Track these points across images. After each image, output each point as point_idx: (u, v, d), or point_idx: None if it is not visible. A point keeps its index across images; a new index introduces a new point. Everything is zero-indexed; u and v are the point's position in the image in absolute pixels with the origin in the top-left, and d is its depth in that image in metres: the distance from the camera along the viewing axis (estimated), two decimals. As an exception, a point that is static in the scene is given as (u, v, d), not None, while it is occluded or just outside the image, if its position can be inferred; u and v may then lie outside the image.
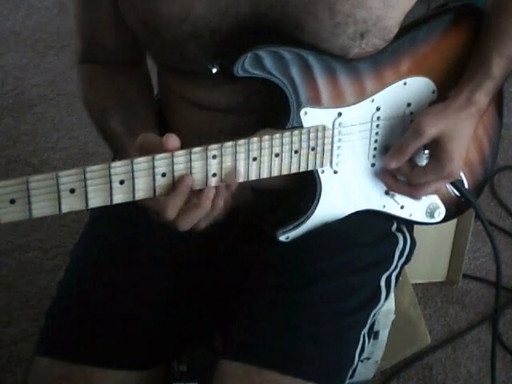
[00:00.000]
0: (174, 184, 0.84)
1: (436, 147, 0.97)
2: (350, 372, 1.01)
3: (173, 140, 0.83)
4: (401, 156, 0.98)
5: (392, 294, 1.19)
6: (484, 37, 1.01)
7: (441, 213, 1.09)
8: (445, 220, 1.11)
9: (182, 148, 0.85)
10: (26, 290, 1.80)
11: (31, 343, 1.64)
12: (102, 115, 1.02)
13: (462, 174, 1.08)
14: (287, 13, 0.90)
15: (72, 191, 0.79)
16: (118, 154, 1.00)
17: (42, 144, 2.28)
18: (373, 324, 1.06)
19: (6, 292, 1.80)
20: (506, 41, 0.99)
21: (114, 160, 1.16)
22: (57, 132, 2.33)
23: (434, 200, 1.08)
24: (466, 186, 1.08)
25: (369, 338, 1.05)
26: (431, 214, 1.09)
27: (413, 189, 1.01)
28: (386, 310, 1.38)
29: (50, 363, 0.98)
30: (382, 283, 1.05)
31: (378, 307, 1.05)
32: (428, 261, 1.79)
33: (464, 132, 0.97)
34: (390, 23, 0.94)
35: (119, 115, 1.01)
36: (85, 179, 0.79)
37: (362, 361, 1.46)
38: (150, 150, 0.84)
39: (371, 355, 1.48)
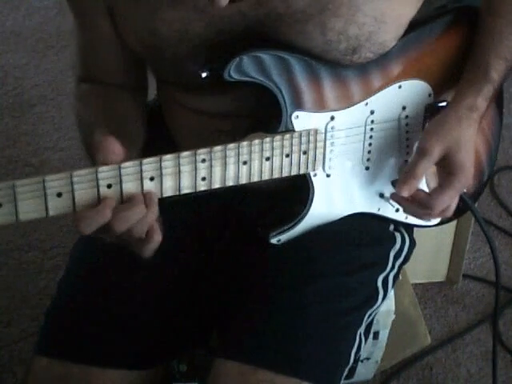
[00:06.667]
0: (162, 193, 0.84)
1: (446, 162, 0.96)
2: (346, 371, 1.01)
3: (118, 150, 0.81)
4: (413, 181, 0.95)
5: (391, 294, 1.19)
6: (480, 40, 1.00)
7: None
8: (442, 223, 1.11)
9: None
10: (26, 290, 1.80)
11: (31, 343, 1.64)
12: (89, 129, 1.01)
13: None
14: (279, 31, 0.90)
15: (59, 195, 0.79)
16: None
17: (42, 144, 2.28)
18: (370, 324, 1.06)
19: (6, 292, 1.80)
20: (503, 43, 0.99)
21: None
22: (57, 132, 2.33)
23: None
24: (465, 190, 1.08)
25: (365, 338, 1.05)
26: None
27: (430, 210, 0.98)
28: (386, 310, 1.38)
29: (49, 363, 0.98)
30: (379, 284, 1.05)
31: (374, 307, 1.05)
32: (428, 261, 1.78)
33: (469, 139, 0.96)
34: (385, 38, 0.94)
35: (104, 129, 0.99)
36: (72, 183, 0.79)
37: (361, 361, 1.46)
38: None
39: (371, 355, 1.48)
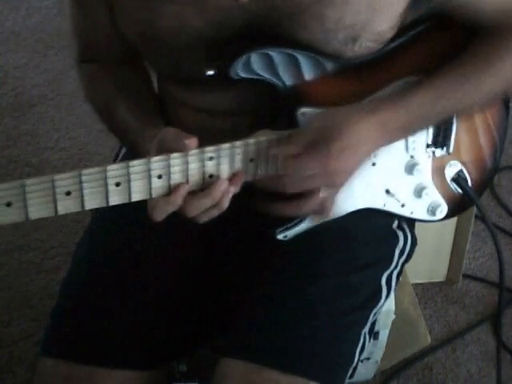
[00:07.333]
0: (170, 191, 0.85)
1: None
2: (350, 371, 1.01)
3: (194, 144, 0.85)
4: (284, 148, 0.90)
5: (392, 294, 1.19)
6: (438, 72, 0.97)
7: (443, 210, 1.09)
8: (447, 217, 1.11)
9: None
10: (26, 290, 1.80)
11: (31, 343, 1.64)
12: (107, 107, 1.03)
13: (465, 172, 1.08)
14: (277, 23, 0.91)
15: (68, 194, 0.79)
16: (130, 144, 1.00)
17: (42, 144, 2.28)
18: (374, 323, 1.06)
19: (6, 292, 1.80)
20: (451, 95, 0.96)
21: (118, 153, 1.18)
22: (57, 132, 2.33)
23: (435, 198, 1.08)
24: (470, 184, 1.08)
25: (369, 337, 1.05)
26: (433, 212, 1.08)
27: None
28: (386, 310, 1.38)
29: (54, 364, 0.99)
30: (383, 282, 1.05)
31: (378, 306, 1.05)
32: (428, 261, 1.79)
33: (360, 143, 0.91)
34: (381, 27, 0.94)
35: (124, 104, 1.01)
36: (80, 182, 0.80)
37: (361, 361, 1.46)
38: (169, 148, 0.84)
39: (371, 355, 1.48)
